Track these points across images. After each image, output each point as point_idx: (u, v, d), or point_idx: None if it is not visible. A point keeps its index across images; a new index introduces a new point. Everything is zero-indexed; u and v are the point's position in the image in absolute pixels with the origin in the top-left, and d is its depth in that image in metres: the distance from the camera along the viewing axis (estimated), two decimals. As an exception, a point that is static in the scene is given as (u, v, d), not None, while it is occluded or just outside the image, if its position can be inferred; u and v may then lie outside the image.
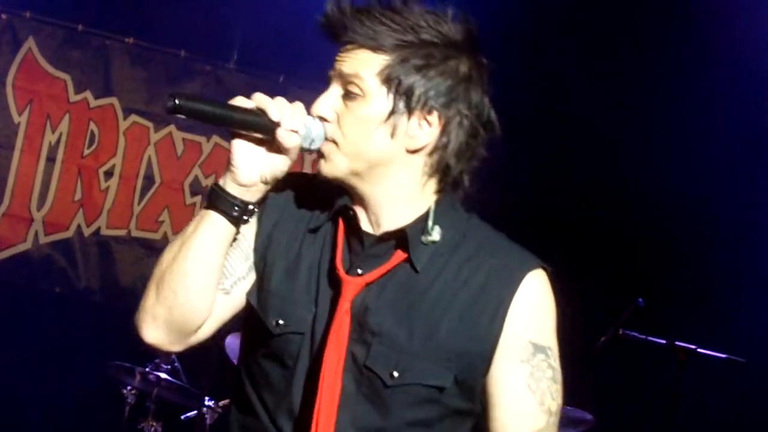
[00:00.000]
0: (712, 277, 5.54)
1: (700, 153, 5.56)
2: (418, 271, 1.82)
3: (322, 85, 1.86)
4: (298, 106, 1.80)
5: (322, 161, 1.84)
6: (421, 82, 1.78)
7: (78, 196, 6.06)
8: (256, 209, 1.85)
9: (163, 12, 5.95)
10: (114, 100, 6.11)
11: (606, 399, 5.31)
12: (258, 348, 1.89)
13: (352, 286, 1.81)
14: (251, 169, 1.80)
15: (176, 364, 5.11)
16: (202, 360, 5.10)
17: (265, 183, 1.83)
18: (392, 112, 1.78)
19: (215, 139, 5.99)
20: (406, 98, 1.78)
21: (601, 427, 4.83)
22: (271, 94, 1.83)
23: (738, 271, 5.54)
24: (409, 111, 1.78)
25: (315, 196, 1.91)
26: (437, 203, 1.86)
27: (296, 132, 1.78)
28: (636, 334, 4.62)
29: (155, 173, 6.14)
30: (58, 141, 6.04)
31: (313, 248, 1.88)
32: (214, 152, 6.05)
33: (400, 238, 1.83)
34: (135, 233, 6.09)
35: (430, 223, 1.83)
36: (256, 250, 1.91)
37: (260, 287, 1.89)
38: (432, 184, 1.86)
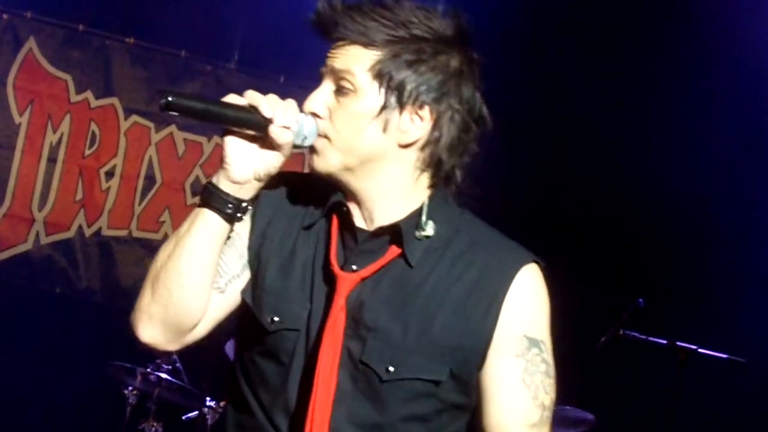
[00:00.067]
0: (713, 277, 5.54)
1: (700, 153, 5.56)
2: (412, 266, 1.83)
3: (323, 85, 1.86)
4: (290, 102, 1.80)
5: (314, 157, 1.84)
6: (412, 77, 1.79)
7: (79, 196, 6.06)
8: (249, 206, 1.86)
9: (164, 12, 5.95)
10: (115, 101, 6.11)
11: (607, 399, 5.31)
12: (253, 346, 1.89)
13: (347, 281, 1.82)
14: (244, 166, 1.81)
15: (177, 364, 5.10)
16: (203, 360, 5.11)
17: (259, 180, 1.83)
18: (384, 107, 1.79)
19: (216, 139, 5.98)
20: (397, 93, 1.79)
21: (602, 427, 4.84)
22: (273, 95, 1.84)
23: (738, 271, 5.55)
24: (401, 106, 1.80)
25: (308, 193, 1.92)
26: (430, 198, 1.86)
27: (288, 128, 1.78)
28: (636, 334, 4.62)
29: (156, 173, 6.14)
30: (59, 141, 6.04)
31: (307, 245, 1.89)
32: (216, 152, 6.04)
33: (394, 233, 1.84)
34: (136, 233, 6.09)
35: (423, 218, 1.84)
36: (250, 248, 1.91)
37: (255, 285, 1.90)
38: (424, 179, 1.86)
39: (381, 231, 1.84)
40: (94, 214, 6.07)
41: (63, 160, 6.03)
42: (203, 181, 6.08)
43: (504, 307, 1.82)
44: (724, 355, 4.52)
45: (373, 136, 1.80)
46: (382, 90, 1.79)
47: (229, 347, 4.73)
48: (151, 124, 6.14)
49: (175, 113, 1.75)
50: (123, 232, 6.09)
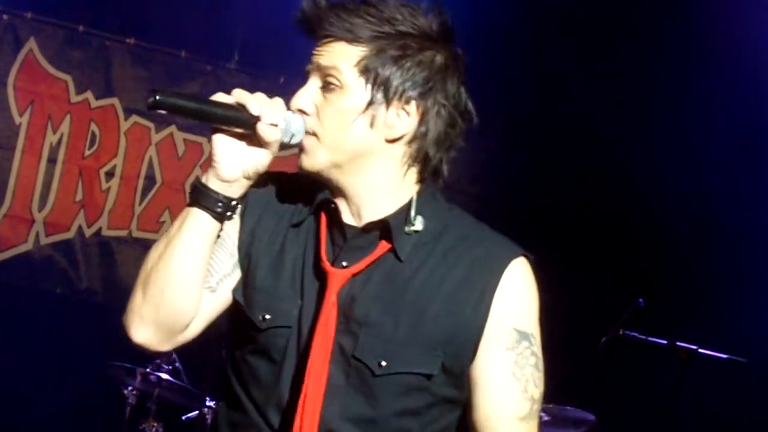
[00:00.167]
0: (713, 277, 5.54)
1: (700, 153, 5.56)
2: (402, 261, 1.84)
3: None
4: (278, 100, 1.82)
5: (302, 155, 1.86)
6: (397, 72, 1.81)
7: (79, 196, 6.06)
8: (239, 205, 1.87)
9: (164, 12, 5.95)
10: (115, 101, 6.11)
11: (607, 399, 5.31)
12: (245, 344, 1.90)
13: (337, 278, 1.83)
14: (233, 164, 1.82)
15: (177, 364, 5.10)
16: (203, 360, 5.10)
17: (248, 178, 1.84)
18: (370, 103, 1.81)
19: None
20: (383, 89, 1.81)
21: (603, 428, 4.84)
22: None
23: (738, 271, 5.55)
24: (387, 101, 1.81)
25: (296, 191, 1.93)
26: (419, 193, 1.88)
27: (276, 125, 1.80)
28: (637, 334, 4.62)
29: (156, 174, 6.14)
30: (59, 142, 6.04)
31: (296, 243, 1.90)
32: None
33: (383, 228, 1.85)
34: (136, 234, 6.09)
35: (412, 212, 1.85)
36: (240, 248, 1.92)
37: (245, 284, 1.91)
38: (412, 174, 1.88)
39: (370, 226, 1.85)
40: (95, 215, 6.07)
41: (63, 161, 6.03)
42: (203, 181, 6.09)
43: (494, 301, 1.83)
44: (725, 355, 4.52)
45: (361, 131, 1.82)
46: (369, 86, 1.81)
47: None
48: (151, 125, 6.14)
49: (163, 111, 1.76)
50: (123, 233, 6.09)
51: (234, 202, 1.85)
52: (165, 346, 1.90)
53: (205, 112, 1.79)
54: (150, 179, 6.13)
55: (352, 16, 1.81)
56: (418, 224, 1.85)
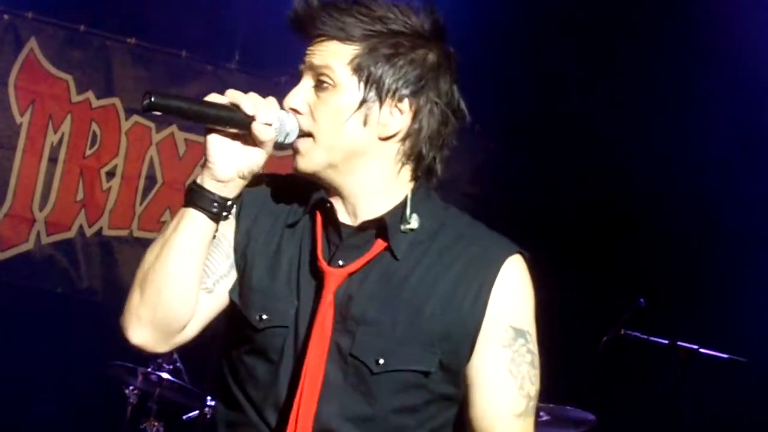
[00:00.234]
0: (714, 277, 5.54)
1: (700, 153, 5.57)
2: (399, 259, 1.85)
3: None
4: (271, 100, 1.83)
5: (297, 157, 1.87)
6: (390, 71, 1.82)
7: (80, 196, 6.06)
8: (234, 205, 1.88)
9: (165, 12, 5.95)
10: (116, 101, 6.12)
11: (608, 399, 5.31)
12: (242, 344, 1.91)
13: (334, 277, 1.84)
14: (228, 164, 1.83)
15: (178, 364, 5.11)
16: (204, 360, 5.11)
17: (243, 178, 1.85)
18: (363, 101, 1.82)
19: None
20: (376, 87, 1.82)
21: (603, 427, 4.84)
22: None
23: (739, 271, 5.55)
24: (380, 99, 1.82)
25: (291, 192, 1.94)
26: (413, 192, 1.89)
27: (270, 125, 1.81)
28: (638, 334, 4.62)
29: (157, 173, 6.15)
30: (60, 141, 6.04)
31: (292, 243, 1.91)
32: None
33: (379, 227, 1.86)
34: (137, 233, 6.10)
35: (408, 211, 1.86)
36: (235, 248, 1.93)
37: (242, 284, 1.92)
38: (406, 172, 1.89)
39: (366, 225, 1.86)
40: (95, 214, 6.08)
41: (64, 160, 6.03)
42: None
43: (491, 298, 1.84)
44: (726, 355, 4.52)
45: (354, 129, 1.83)
46: (362, 84, 1.82)
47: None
48: (152, 125, 6.14)
49: (158, 113, 1.77)
50: (124, 232, 6.10)
51: (229, 203, 1.85)
52: (162, 348, 1.91)
53: (200, 113, 1.80)
54: (151, 179, 6.14)
55: (344, 15, 1.82)
56: (414, 222, 1.86)
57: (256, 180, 1.90)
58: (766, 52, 5.55)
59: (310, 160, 1.84)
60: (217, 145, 1.82)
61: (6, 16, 5.94)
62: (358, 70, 1.81)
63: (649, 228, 5.82)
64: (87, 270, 6.04)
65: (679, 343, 4.49)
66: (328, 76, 1.82)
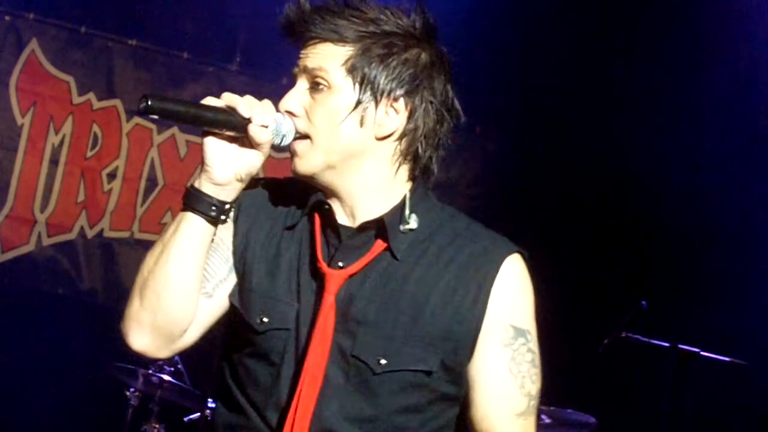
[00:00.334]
0: (715, 280, 5.54)
1: (700, 153, 5.56)
2: (399, 259, 1.86)
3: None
4: (267, 102, 1.84)
5: (296, 160, 1.87)
6: (384, 71, 1.84)
7: (81, 198, 6.06)
8: (232, 208, 1.88)
9: (166, 14, 5.96)
10: (117, 102, 6.12)
11: (609, 402, 5.31)
12: (243, 347, 1.91)
13: (335, 279, 1.84)
14: (225, 167, 1.83)
15: (179, 366, 5.10)
16: (206, 362, 5.10)
17: (240, 180, 1.85)
18: (359, 102, 1.84)
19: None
20: (371, 87, 1.83)
21: (604, 431, 4.83)
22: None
23: (741, 274, 5.54)
24: (376, 99, 1.84)
25: (288, 195, 1.95)
26: (411, 192, 1.90)
27: (267, 127, 1.81)
28: (639, 336, 4.61)
29: (158, 175, 6.14)
30: (61, 143, 6.04)
31: (291, 245, 1.91)
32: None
33: (378, 227, 1.87)
34: (138, 235, 6.09)
35: (406, 211, 1.87)
36: (234, 252, 1.94)
37: (242, 287, 1.92)
38: (403, 172, 1.90)
39: (365, 226, 1.87)
40: (96, 216, 6.07)
41: (65, 162, 6.03)
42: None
43: (491, 297, 1.85)
44: (727, 358, 4.51)
45: (351, 130, 1.84)
46: (356, 85, 1.83)
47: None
48: (153, 126, 6.14)
49: (155, 116, 1.79)
50: (125, 234, 6.09)
51: (227, 206, 1.86)
52: (163, 353, 1.92)
53: (196, 116, 1.81)
54: (152, 181, 6.14)
55: (337, 18, 1.83)
56: (413, 222, 1.87)
57: (253, 183, 1.91)
58: (766, 53, 5.54)
59: (308, 161, 1.85)
60: (215, 148, 1.83)
61: (7, 17, 5.94)
62: (352, 71, 1.83)
63: (651, 229, 5.81)
64: (88, 271, 6.04)
65: (680, 345, 4.48)
66: (322, 78, 1.83)
